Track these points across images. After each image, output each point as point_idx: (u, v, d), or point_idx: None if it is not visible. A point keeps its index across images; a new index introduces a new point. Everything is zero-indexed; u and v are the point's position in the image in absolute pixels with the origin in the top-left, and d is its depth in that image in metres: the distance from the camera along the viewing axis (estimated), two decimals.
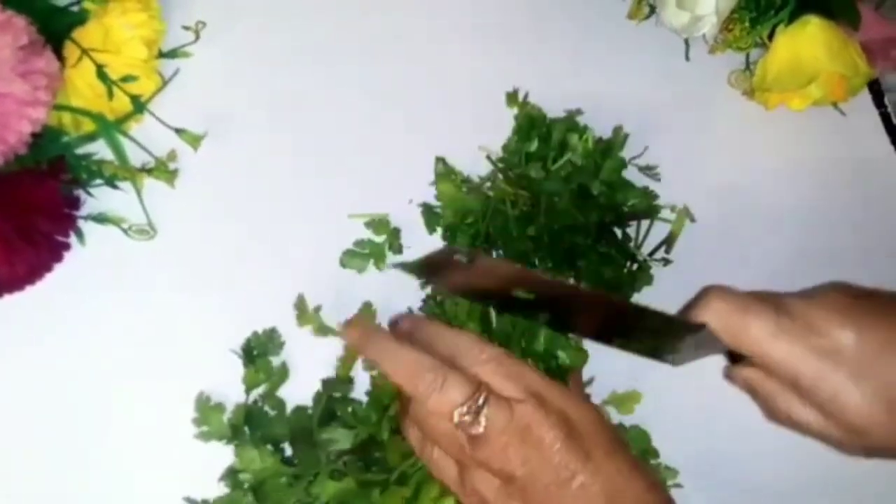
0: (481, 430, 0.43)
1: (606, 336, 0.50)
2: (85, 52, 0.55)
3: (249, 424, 0.51)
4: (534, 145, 0.58)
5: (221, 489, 0.50)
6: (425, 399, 0.44)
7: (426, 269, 0.50)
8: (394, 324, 0.52)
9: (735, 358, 0.49)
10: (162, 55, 0.59)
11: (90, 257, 0.55)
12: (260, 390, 0.53)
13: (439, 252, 0.48)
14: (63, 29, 0.55)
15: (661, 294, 0.55)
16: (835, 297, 0.45)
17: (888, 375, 0.42)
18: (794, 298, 0.46)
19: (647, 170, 0.60)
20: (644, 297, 0.56)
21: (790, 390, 0.46)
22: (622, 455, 0.45)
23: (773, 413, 0.48)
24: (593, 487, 0.43)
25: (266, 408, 0.52)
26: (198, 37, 0.59)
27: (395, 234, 0.57)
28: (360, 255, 0.56)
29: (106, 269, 0.55)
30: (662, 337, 0.48)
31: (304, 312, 0.54)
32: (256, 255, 0.57)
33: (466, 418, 0.43)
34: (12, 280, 0.52)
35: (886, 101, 0.65)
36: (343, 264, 0.56)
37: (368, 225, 0.57)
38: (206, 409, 0.51)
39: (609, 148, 0.58)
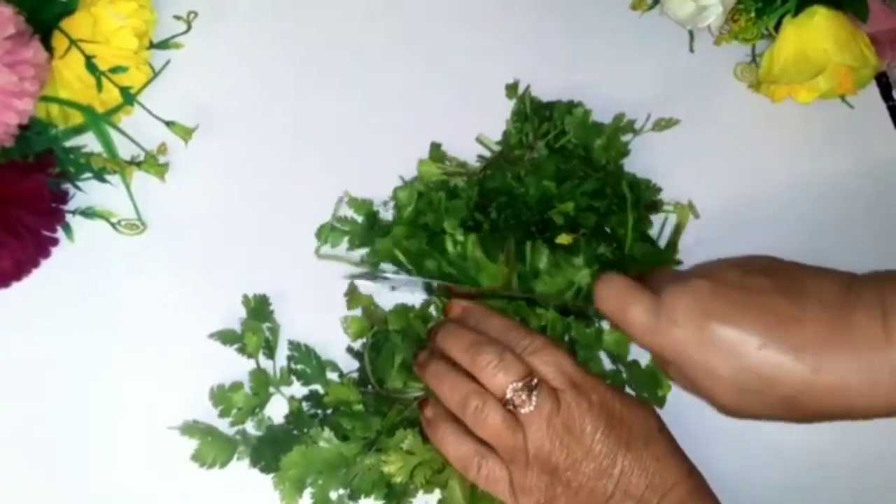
0: (532, 408, 0.46)
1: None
2: (74, 42, 0.54)
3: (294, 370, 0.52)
4: (531, 127, 0.56)
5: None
6: (481, 371, 0.47)
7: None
8: (445, 310, 0.53)
9: None
10: (153, 46, 0.58)
11: (78, 252, 0.54)
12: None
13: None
14: (51, 19, 0.54)
15: None
16: (700, 286, 0.46)
17: (731, 366, 0.44)
18: (670, 285, 0.47)
19: (664, 126, 0.59)
20: None
21: None
22: (661, 443, 0.48)
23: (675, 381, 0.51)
24: (633, 475, 0.46)
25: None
26: (189, 27, 0.58)
27: (373, 216, 0.56)
28: (337, 231, 0.55)
29: (94, 265, 0.54)
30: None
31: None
32: (248, 250, 0.55)
33: (522, 395, 0.46)
34: None
35: (894, 94, 0.63)
36: (317, 236, 0.55)
37: (351, 204, 0.56)
38: (223, 394, 0.51)
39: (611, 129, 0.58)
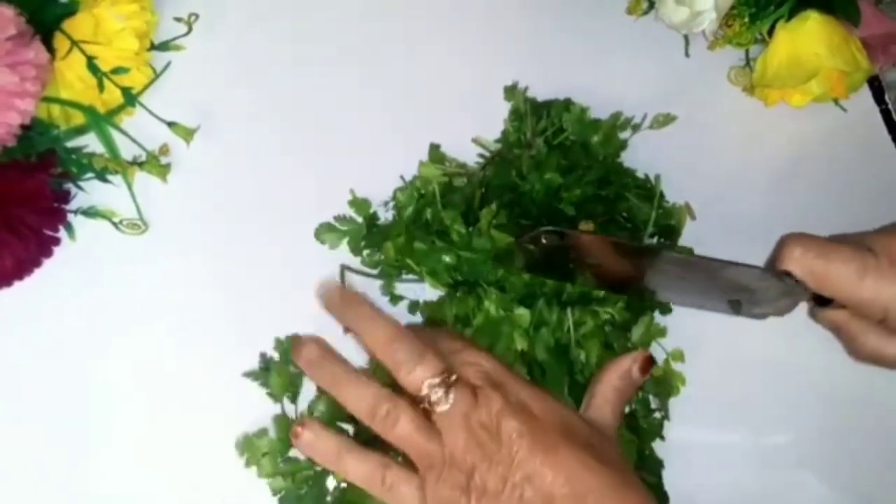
0: (448, 406, 0.43)
1: (686, 297, 0.52)
2: (75, 43, 0.54)
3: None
4: (530, 125, 0.57)
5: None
6: (399, 367, 0.44)
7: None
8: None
9: (820, 300, 0.50)
10: (154, 47, 0.58)
11: (80, 252, 0.54)
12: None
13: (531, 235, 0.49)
14: (53, 20, 0.54)
15: None
16: None
17: None
18: (875, 235, 0.48)
19: (662, 123, 0.60)
20: None
21: (876, 326, 0.48)
22: (594, 450, 0.43)
23: (858, 351, 0.50)
24: (557, 485, 0.42)
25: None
26: (190, 29, 0.58)
27: (373, 217, 0.56)
28: (336, 231, 0.55)
29: (96, 265, 0.54)
30: (742, 291, 0.50)
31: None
32: (250, 250, 0.56)
33: (438, 391, 0.43)
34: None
35: (887, 97, 0.64)
36: (316, 236, 0.55)
37: (351, 204, 0.56)
38: (250, 443, 0.50)
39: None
